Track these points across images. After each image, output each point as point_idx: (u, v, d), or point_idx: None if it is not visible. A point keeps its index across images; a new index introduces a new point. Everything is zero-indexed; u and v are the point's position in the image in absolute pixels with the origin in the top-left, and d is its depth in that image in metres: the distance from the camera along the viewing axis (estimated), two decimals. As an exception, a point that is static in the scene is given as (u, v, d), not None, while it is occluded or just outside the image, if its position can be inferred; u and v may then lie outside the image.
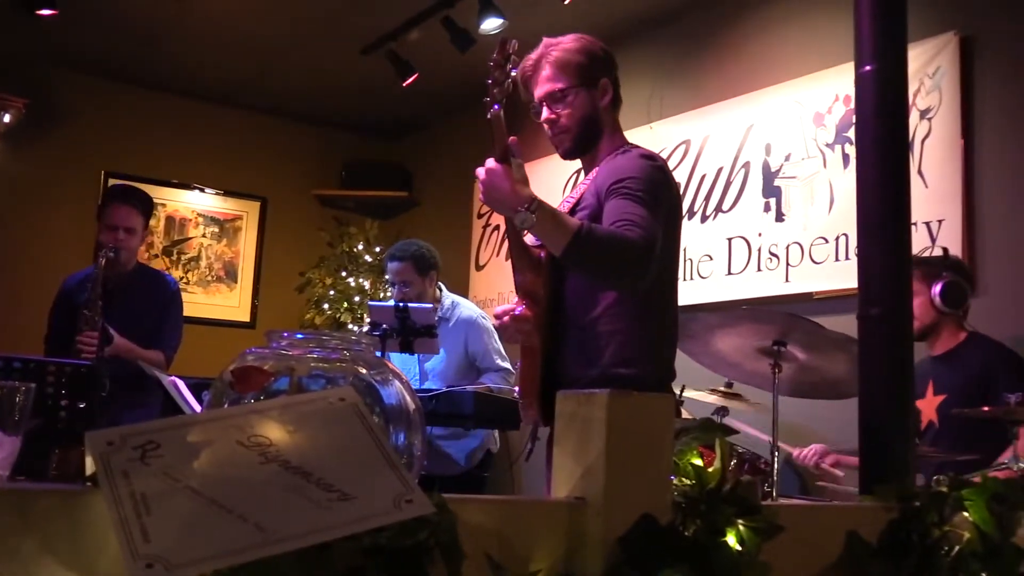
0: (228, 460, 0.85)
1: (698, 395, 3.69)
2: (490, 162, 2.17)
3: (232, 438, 0.87)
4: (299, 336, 1.19)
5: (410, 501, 0.84)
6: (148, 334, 3.99)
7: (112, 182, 6.12)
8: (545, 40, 2.49)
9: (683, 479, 1.15)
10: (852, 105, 3.96)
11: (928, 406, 3.23)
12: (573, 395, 1.13)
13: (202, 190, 6.73)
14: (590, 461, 1.09)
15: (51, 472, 1.74)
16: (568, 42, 2.46)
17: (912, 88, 3.20)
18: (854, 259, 3.90)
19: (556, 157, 2.59)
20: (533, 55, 2.47)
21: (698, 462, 1.16)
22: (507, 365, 4.36)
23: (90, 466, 0.86)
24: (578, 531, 1.07)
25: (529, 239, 2.40)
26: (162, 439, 0.85)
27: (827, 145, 4.21)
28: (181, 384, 2.35)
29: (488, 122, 2.20)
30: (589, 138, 2.46)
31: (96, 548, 0.82)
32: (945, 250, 3.51)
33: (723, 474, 1.14)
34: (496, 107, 2.20)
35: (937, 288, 3.17)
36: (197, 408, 2.25)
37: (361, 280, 6.54)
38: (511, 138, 2.18)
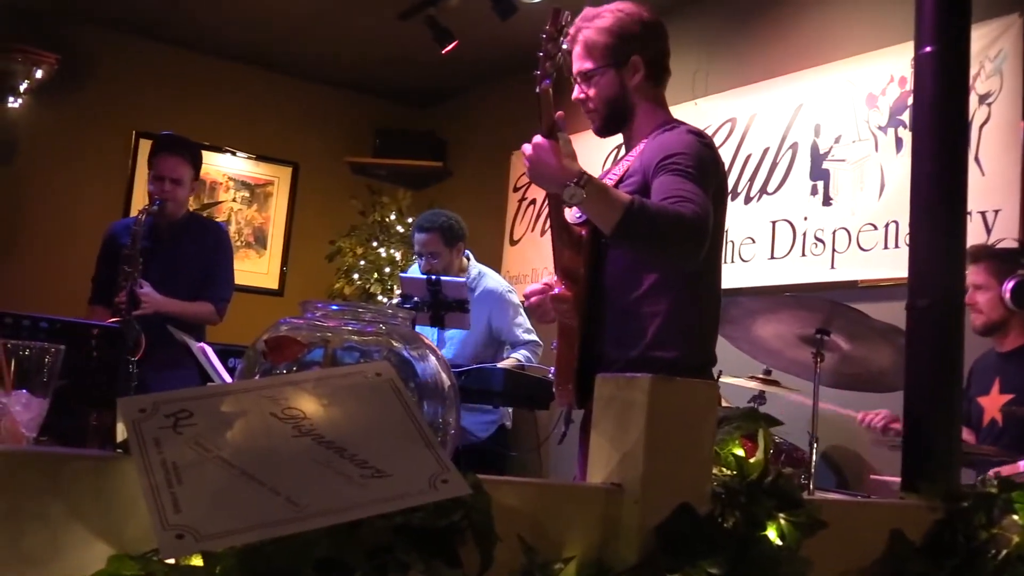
0: (261, 432, 0.85)
1: (735, 381, 3.67)
2: (537, 138, 2.15)
3: (266, 409, 0.87)
4: (334, 307, 1.19)
5: (446, 481, 0.84)
6: (197, 284, 4.01)
7: (144, 142, 6.17)
8: (584, 13, 2.46)
9: (723, 469, 1.14)
10: (908, 87, 3.96)
11: (992, 404, 3.17)
12: (613, 378, 1.12)
13: (234, 153, 6.77)
14: (628, 447, 1.08)
15: (91, 436, 1.76)
16: (602, 19, 2.43)
17: (972, 71, 3.14)
18: (904, 247, 3.86)
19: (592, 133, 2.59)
20: (571, 30, 2.46)
21: (740, 452, 1.15)
22: (535, 337, 4.37)
23: (121, 432, 0.87)
24: (614, 518, 1.07)
25: (570, 216, 2.39)
26: (195, 408, 0.85)
27: (880, 128, 4.16)
28: (210, 351, 2.37)
29: (536, 96, 2.17)
30: (618, 118, 2.45)
31: (125, 516, 0.82)
32: (1022, 243, 3.43)
33: (765, 466, 1.13)
34: (546, 81, 2.17)
35: (1009, 285, 3.07)
36: (226, 376, 2.26)
37: (392, 251, 6.55)
38: (558, 112, 2.16)
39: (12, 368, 1.44)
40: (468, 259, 4.54)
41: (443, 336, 4.38)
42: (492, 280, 4.51)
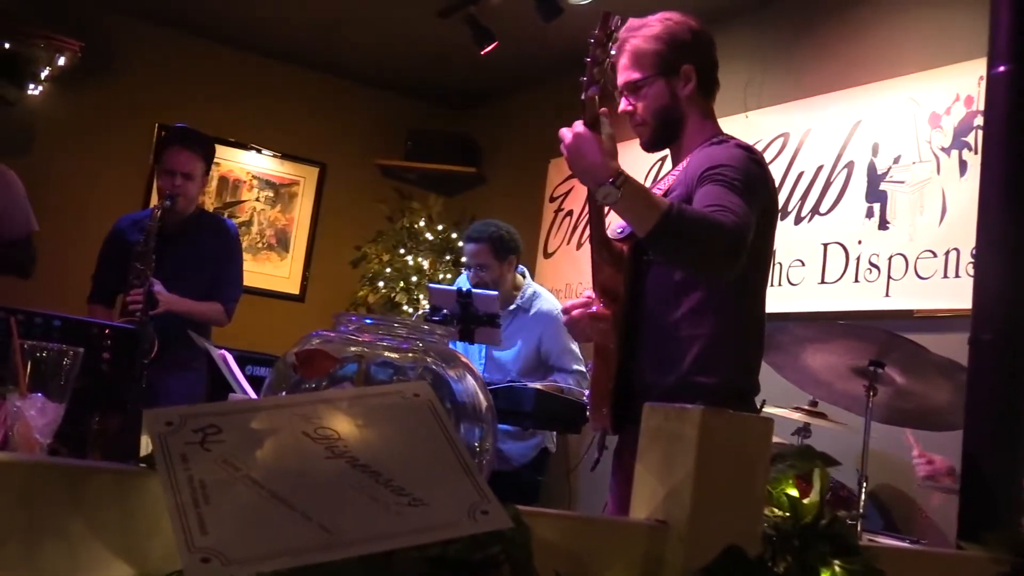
0: (292, 452, 0.85)
1: (778, 412, 3.63)
2: (578, 125, 2.15)
3: (297, 428, 0.87)
4: (368, 321, 1.19)
5: (486, 512, 0.83)
6: (207, 283, 4.03)
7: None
8: (629, 23, 2.46)
9: (775, 510, 1.13)
10: (974, 107, 3.92)
11: None
12: (661, 408, 1.11)
13: (259, 151, 6.80)
14: (675, 482, 1.07)
15: (93, 441, 1.77)
16: (650, 27, 2.43)
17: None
18: (964, 277, 3.82)
19: (638, 143, 2.57)
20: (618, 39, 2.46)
21: (793, 492, 1.14)
22: (581, 368, 4.32)
23: (145, 445, 0.87)
24: (657, 556, 1.06)
25: (612, 231, 2.38)
26: (224, 423, 0.85)
27: (943, 149, 4.11)
28: (230, 358, 2.38)
29: (581, 102, 2.18)
30: (668, 130, 2.45)
31: (148, 535, 0.82)
32: None
33: (820, 508, 1.11)
34: (593, 88, 2.17)
35: None
36: (246, 385, 2.27)
37: (420, 259, 6.54)
38: (603, 108, 2.16)
39: (28, 371, 1.45)
40: (524, 276, 4.51)
41: (492, 355, 4.34)
42: (547, 302, 4.46)
